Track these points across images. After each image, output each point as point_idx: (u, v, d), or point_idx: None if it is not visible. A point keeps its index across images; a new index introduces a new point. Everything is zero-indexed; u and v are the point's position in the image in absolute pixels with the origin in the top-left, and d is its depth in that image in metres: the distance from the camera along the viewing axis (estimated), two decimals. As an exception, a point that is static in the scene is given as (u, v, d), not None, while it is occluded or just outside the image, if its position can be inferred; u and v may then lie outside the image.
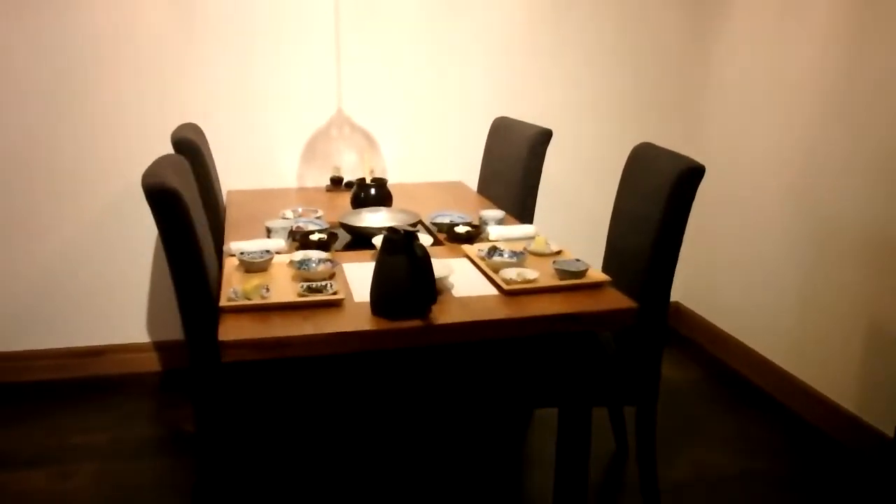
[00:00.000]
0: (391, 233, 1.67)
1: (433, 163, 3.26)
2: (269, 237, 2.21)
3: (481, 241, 2.27)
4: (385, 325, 1.65)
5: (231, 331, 1.60)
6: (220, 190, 2.91)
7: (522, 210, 2.65)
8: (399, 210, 2.46)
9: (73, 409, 2.87)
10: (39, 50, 2.82)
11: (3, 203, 2.93)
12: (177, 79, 2.95)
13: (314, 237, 2.18)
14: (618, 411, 2.53)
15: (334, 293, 1.77)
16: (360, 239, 2.27)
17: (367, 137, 3.18)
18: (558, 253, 2.13)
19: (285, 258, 2.02)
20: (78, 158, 2.95)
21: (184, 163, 2.01)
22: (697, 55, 3.39)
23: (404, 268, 1.65)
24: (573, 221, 3.41)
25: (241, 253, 2.00)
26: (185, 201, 1.66)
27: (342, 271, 1.98)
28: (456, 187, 3.10)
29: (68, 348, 3.10)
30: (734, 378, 3.19)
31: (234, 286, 1.80)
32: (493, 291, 1.85)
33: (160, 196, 1.63)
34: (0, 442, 2.64)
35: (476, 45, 3.19)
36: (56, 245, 3.01)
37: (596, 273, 1.93)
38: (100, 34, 2.85)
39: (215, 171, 2.83)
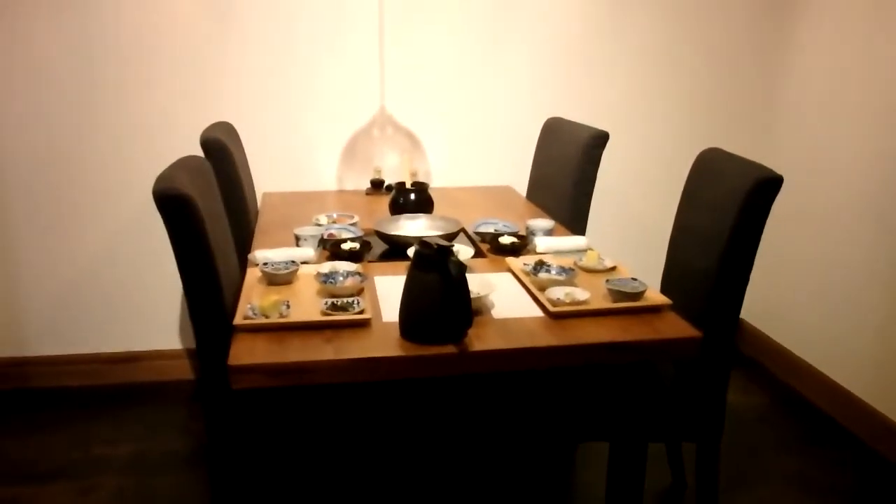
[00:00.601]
0: (423, 247, 1.49)
1: (480, 166, 3.07)
2: (297, 245, 2.05)
3: (527, 253, 2.08)
4: (414, 350, 1.47)
5: (243, 353, 1.44)
6: (254, 192, 2.77)
7: (574, 220, 2.44)
8: (440, 217, 2.28)
9: (100, 419, 2.76)
10: (71, 50, 2.72)
11: (40, 203, 2.85)
12: (210, 76, 2.83)
13: (346, 246, 2.02)
14: (675, 444, 2.30)
15: (360, 312, 1.60)
16: (396, 248, 2.10)
17: (411, 138, 3.01)
18: (612, 270, 1.92)
19: (313, 269, 1.86)
20: (114, 159, 2.84)
21: (204, 165, 1.86)
22: (770, 51, 3.12)
23: (437, 287, 1.46)
24: (629, 234, 3.19)
25: (264, 264, 1.84)
26: (197, 208, 1.51)
27: (373, 286, 1.81)
28: (503, 192, 2.90)
29: (101, 354, 3.00)
30: (804, 407, 2.92)
31: (252, 302, 1.64)
32: (538, 313, 1.65)
33: (169, 203, 1.48)
34: (22, 451, 2.55)
35: (528, 39, 2.98)
36: (92, 247, 2.91)
37: (655, 295, 1.71)
38: (131, 31, 2.74)
39: (248, 172, 2.70)
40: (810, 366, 2.96)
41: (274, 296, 1.61)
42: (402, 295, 1.52)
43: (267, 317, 1.57)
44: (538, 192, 2.77)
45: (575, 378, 1.66)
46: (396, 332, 1.53)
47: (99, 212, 2.89)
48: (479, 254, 2.11)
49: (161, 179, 1.54)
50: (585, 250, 2.07)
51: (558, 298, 1.68)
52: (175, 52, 2.78)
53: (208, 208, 1.65)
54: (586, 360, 1.54)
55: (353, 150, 2.97)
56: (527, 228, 2.17)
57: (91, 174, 2.85)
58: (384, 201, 2.59)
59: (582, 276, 1.86)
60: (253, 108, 2.87)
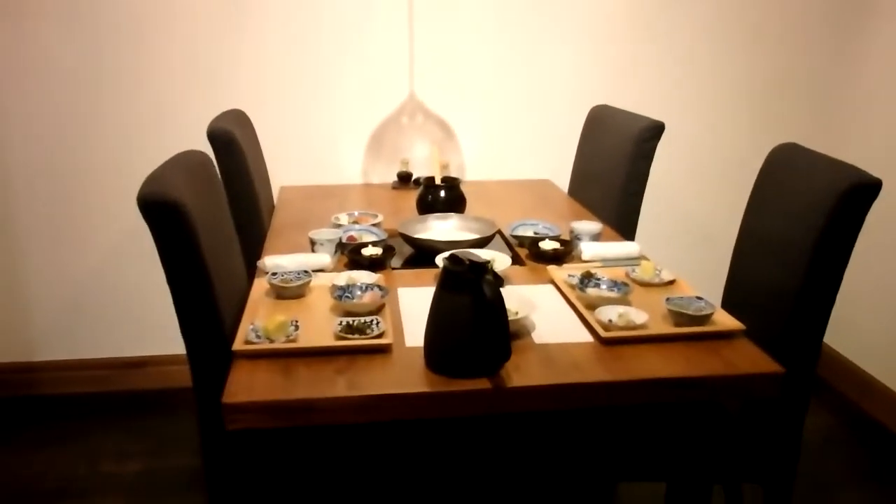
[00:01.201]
0: (452, 262, 1.26)
1: (518, 158, 2.82)
2: (313, 250, 1.83)
3: (571, 260, 1.83)
4: (441, 385, 1.24)
5: (241, 388, 1.23)
6: (269, 187, 2.55)
7: (622, 221, 2.19)
8: (472, 218, 2.04)
9: (108, 429, 2.58)
10: (77, 40, 2.52)
11: (47, 202, 2.66)
12: (225, 62, 2.61)
13: (366, 252, 1.79)
14: (735, 485, 2.05)
15: (380, 335, 1.37)
16: (423, 253, 1.87)
17: (443, 127, 2.77)
18: (671, 284, 1.67)
19: (328, 279, 1.64)
20: (122, 156, 2.64)
21: (205, 161, 1.64)
22: (853, 32, 2.82)
23: (469, 313, 1.23)
24: (684, 240, 2.91)
25: (273, 274, 1.63)
26: (188, 216, 1.29)
27: (395, 300, 1.58)
28: (543, 187, 2.65)
29: (111, 358, 2.82)
30: (885, 437, 2.62)
31: (255, 321, 1.42)
32: (587, 337, 1.42)
33: (155, 209, 1.27)
34: (26, 466, 2.38)
35: (571, 17, 2.72)
36: (100, 248, 2.73)
37: (725, 318, 1.46)
38: (139, 10, 2.53)
39: (262, 164, 2.48)
40: (885, 386, 2.66)
41: (280, 315, 1.39)
42: (428, 319, 1.29)
43: (272, 340, 1.35)
44: (582, 189, 2.52)
45: (628, 413, 1.42)
46: (421, 359, 1.30)
47: (108, 211, 2.69)
48: (516, 259, 1.87)
49: (149, 182, 1.33)
50: (639, 259, 1.82)
51: (610, 321, 1.44)
52: (187, 36, 2.57)
53: (206, 213, 1.44)
54: (644, 398, 1.29)
55: (380, 141, 2.74)
56: (571, 232, 1.92)
57: (99, 173, 2.65)
58: (412, 197, 2.36)
59: (636, 292, 1.62)
60: (270, 95, 2.65)
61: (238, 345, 1.33)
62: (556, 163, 2.78)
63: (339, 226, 2.06)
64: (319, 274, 1.72)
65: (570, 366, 1.31)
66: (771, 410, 1.60)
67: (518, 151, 2.82)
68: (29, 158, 2.62)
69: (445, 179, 2.19)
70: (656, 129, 2.15)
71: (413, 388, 1.24)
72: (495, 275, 1.59)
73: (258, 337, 1.36)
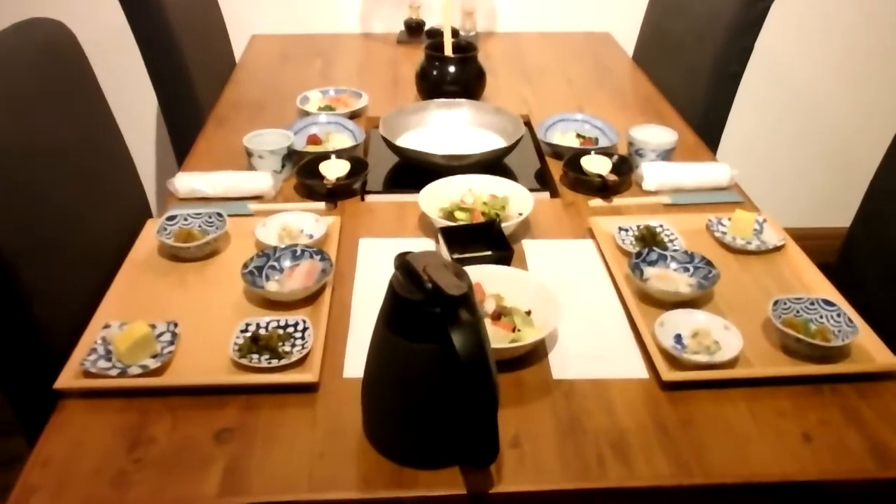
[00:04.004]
0: (404, 277, 0.70)
1: (566, 1, 2.12)
2: (250, 164, 1.27)
3: (628, 188, 1.25)
4: (387, 481, 0.73)
5: (48, 478, 0.74)
6: (228, 39, 1.94)
7: (707, 115, 1.55)
8: (492, 109, 1.44)
9: None
10: None
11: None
12: None
13: (325, 169, 1.23)
14: None
15: (300, 361, 0.85)
16: (414, 170, 1.29)
17: (470, -45, 2.06)
18: (777, 251, 1.09)
19: (259, 225, 1.10)
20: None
21: (57, 40, 1.06)
22: None
23: (426, 374, 0.69)
24: (800, 150, 2.22)
25: (169, 219, 1.08)
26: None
27: (351, 267, 1.04)
28: (600, 48, 1.97)
29: None
30: None
31: (112, 326, 0.90)
32: (638, 368, 0.87)
33: None
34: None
35: None
36: None
37: (875, 347, 0.89)
38: None
39: (217, 9, 1.86)
40: None
41: (141, 324, 0.86)
42: (365, 370, 0.75)
43: (125, 367, 0.84)
44: (653, 56, 1.84)
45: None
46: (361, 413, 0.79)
47: None
48: (545, 186, 1.29)
49: None
50: (729, 189, 1.23)
51: (680, 343, 0.89)
52: None
53: (29, 140, 0.88)
54: (733, 507, 0.77)
55: (386, -27, 2.06)
56: (630, 144, 1.31)
57: None
58: (422, 55, 1.71)
59: (725, 264, 1.04)
60: None
61: (67, 378, 0.83)
62: (620, 9, 2.07)
63: (305, 113, 1.48)
64: (255, 206, 1.18)
65: (602, 437, 0.78)
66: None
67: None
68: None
69: (459, 43, 1.55)
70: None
71: (339, 493, 0.73)
72: (500, 235, 1.03)
73: (109, 360, 0.85)
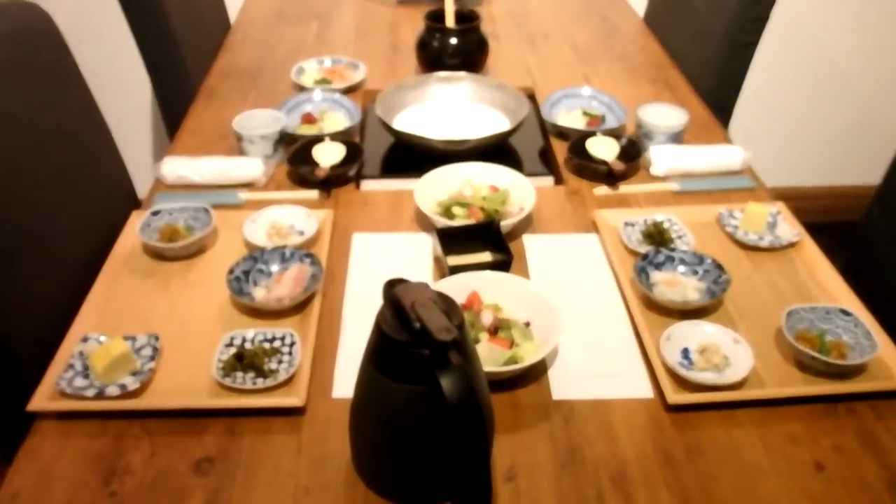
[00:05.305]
0: (391, 316, 0.65)
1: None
2: (240, 149, 1.21)
3: (636, 173, 1.19)
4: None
5: (20, 509, 0.71)
6: (223, 6, 1.85)
7: (719, 90, 1.47)
8: (495, 84, 1.36)
9: None
10: None
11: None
12: None
13: (319, 157, 1.17)
14: None
15: (287, 381, 0.81)
16: (410, 152, 1.23)
17: None
18: (791, 247, 1.03)
19: (248, 220, 1.04)
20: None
21: (30, 27, 0.99)
22: None
23: (414, 417, 0.65)
24: (821, 127, 2.14)
25: (154, 214, 1.03)
26: None
27: (342, 269, 0.99)
28: (609, 8, 1.87)
29: None
30: None
31: (90, 339, 0.85)
32: (643, 387, 0.83)
33: None
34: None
35: None
36: None
37: (894, 361, 0.85)
38: None
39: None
40: None
41: (118, 341, 0.82)
42: (353, 405, 0.71)
43: (102, 385, 0.80)
44: (663, 19, 1.75)
45: None
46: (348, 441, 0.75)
47: None
48: (549, 170, 1.22)
49: None
50: (742, 174, 1.17)
51: (687, 359, 0.84)
52: None
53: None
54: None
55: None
56: (638, 126, 1.24)
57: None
58: (423, 20, 1.62)
59: (735, 262, 0.98)
60: None
61: (41, 400, 0.79)
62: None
63: (300, 87, 1.41)
64: (245, 195, 1.13)
65: (603, 469, 0.74)
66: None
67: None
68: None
69: (461, 14, 1.46)
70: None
71: (321, 524, 0.70)
72: (499, 236, 0.97)
73: (85, 378, 0.81)
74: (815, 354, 0.82)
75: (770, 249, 1.03)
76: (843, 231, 1.30)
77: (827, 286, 0.97)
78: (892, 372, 0.84)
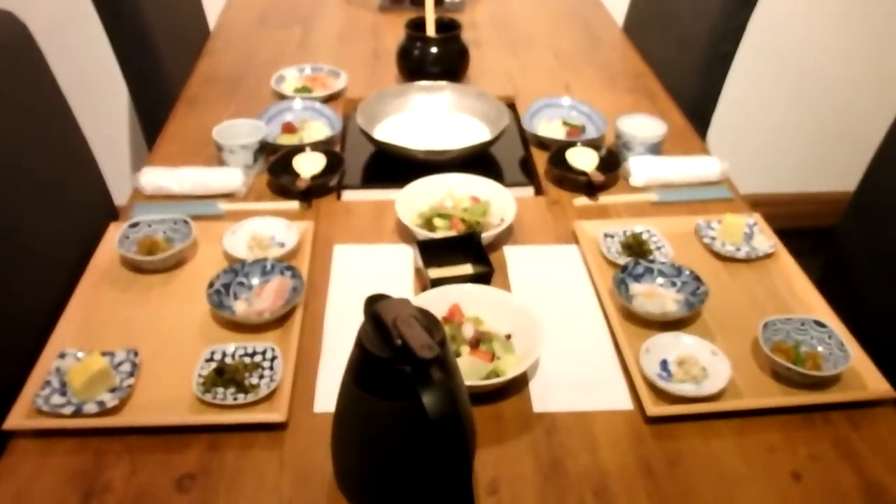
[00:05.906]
0: (373, 332, 0.65)
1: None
2: (220, 159, 1.20)
3: (614, 184, 1.20)
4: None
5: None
6: (201, 3, 1.85)
7: (698, 99, 1.49)
8: (475, 93, 1.37)
9: None
10: None
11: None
12: None
13: (298, 164, 1.17)
14: None
15: (268, 396, 0.80)
16: (392, 162, 1.23)
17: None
18: (768, 258, 1.05)
19: (228, 233, 1.04)
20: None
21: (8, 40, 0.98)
22: None
23: (396, 433, 0.65)
24: (797, 133, 2.17)
25: (132, 226, 1.03)
26: None
27: (324, 280, 0.99)
28: (588, 14, 1.88)
29: None
30: None
31: (67, 356, 0.85)
32: (622, 399, 0.84)
33: None
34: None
35: None
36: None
37: (869, 373, 0.86)
38: None
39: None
40: None
41: (96, 357, 0.81)
42: (335, 413, 0.71)
43: (82, 402, 0.79)
44: (644, 25, 1.76)
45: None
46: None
47: None
48: (530, 179, 1.23)
49: None
50: (720, 184, 1.18)
51: (666, 371, 0.85)
52: None
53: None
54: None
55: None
56: (617, 136, 1.25)
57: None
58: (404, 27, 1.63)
59: (713, 273, 0.99)
60: None
61: (18, 418, 0.78)
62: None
63: (280, 96, 1.41)
64: (225, 206, 1.12)
65: (585, 481, 0.74)
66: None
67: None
68: None
69: (442, 22, 1.46)
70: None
71: (303, 540, 0.70)
72: (480, 248, 0.98)
73: (63, 395, 0.80)
74: (791, 366, 0.83)
75: (747, 260, 1.04)
76: (820, 236, 1.32)
77: (802, 297, 0.98)
78: (866, 382, 0.85)
